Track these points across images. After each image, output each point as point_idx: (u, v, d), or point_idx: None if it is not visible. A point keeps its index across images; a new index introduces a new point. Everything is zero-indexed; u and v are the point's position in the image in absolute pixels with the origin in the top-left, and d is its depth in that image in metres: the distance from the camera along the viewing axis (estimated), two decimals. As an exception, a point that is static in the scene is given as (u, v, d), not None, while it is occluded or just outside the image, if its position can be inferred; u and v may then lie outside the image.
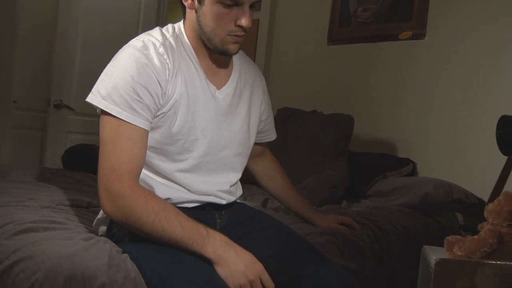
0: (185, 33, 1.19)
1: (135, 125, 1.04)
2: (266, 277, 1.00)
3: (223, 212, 1.24)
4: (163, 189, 1.14)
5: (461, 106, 2.21)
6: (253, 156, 1.40)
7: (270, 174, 1.50)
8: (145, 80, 1.06)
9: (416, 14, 2.39)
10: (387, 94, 2.50)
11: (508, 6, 2.09)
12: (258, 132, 1.38)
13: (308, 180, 2.00)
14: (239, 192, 1.33)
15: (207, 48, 1.17)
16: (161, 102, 1.10)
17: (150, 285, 0.96)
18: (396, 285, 1.63)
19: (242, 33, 1.13)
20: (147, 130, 1.08)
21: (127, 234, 1.08)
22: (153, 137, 1.12)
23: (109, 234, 1.15)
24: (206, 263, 1.00)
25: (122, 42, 1.14)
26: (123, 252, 1.04)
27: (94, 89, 1.07)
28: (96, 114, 1.08)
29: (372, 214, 1.78)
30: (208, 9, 1.10)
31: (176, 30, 1.19)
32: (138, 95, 1.04)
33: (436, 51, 2.32)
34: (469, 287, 1.01)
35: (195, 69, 1.17)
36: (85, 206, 1.46)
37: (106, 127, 1.04)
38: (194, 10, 1.14)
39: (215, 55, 1.18)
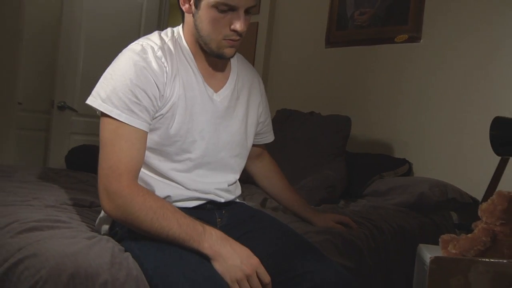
0: (184, 37, 1.19)
1: (133, 126, 1.05)
2: (262, 271, 1.01)
3: (223, 212, 1.25)
4: (163, 187, 1.15)
5: (455, 107, 2.22)
6: (251, 157, 1.40)
7: (268, 175, 1.51)
8: (143, 83, 1.06)
9: (411, 17, 2.40)
10: (383, 95, 2.51)
11: (500, 11, 2.10)
12: (256, 134, 1.39)
13: (306, 180, 2.00)
14: (238, 191, 1.33)
15: (204, 51, 1.17)
16: (159, 104, 1.10)
17: (151, 283, 0.96)
18: (393, 282, 1.63)
19: (237, 38, 1.12)
20: (145, 131, 1.08)
21: (129, 232, 1.08)
22: (152, 138, 1.12)
23: (111, 233, 1.16)
24: (205, 259, 1.00)
25: (124, 45, 1.15)
26: (125, 251, 1.04)
27: (94, 92, 1.07)
28: (98, 115, 1.08)
29: (369, 213, 1.78)
30: (204, 14, 1.10)
31: (175, 34, 1.19)
32: (137, 98, 1.05)
33: (431, 54, 2.33)
34: (463, 284, 1.02)
35: (193, 73, 1.17)
36: (88, 205, 1.47)
37: (105, 129, 1.05)
38: (191, 15, 1.14)
39: (212, 58, 1.18)
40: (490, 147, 1.53)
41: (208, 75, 1.20)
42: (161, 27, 3.46)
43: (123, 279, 0.93)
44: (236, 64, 1.30)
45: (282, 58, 3.08)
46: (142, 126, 1.07)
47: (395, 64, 2.47)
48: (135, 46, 1.11)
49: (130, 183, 1.02)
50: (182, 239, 0.99)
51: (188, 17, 1.16)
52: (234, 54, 1.18)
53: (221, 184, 1.24)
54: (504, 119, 1.55)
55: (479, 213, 1.25)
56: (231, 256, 0.99)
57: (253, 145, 1.38)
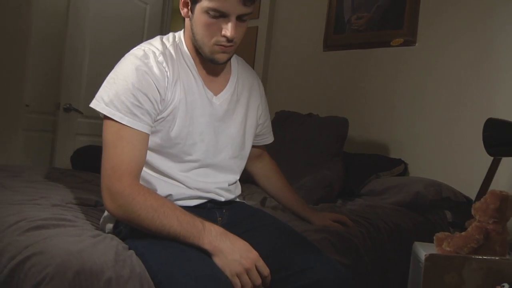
0: (184, 42, 1.19)
1: (135, 129, 1.05)
2: (261, 264, 1.01)
3: (224, 211, 1.25)
4: (164, 186, 1.15)
5: (449, 109, 2.22)
6: (251, 158, 1.40)
7: (268, 175, 1.50)
8: (145, 87, 1.07)
9: (407, 22, 2.40)
10: (379, 97, 2.51)
11: (492, 16, 2.10)
12: (256, 136, 1.39)
13: (304, 179, 2.00)
14: (238, 191, 1.33)
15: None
16: (160, 108, 1.10)
17: (155, 280, 0.96)
18: (389, 279, 1.63)
19: (228, 44, 1.10)
20: (147, 134, 1.09)
21: (133, 231, 1.08)
22: (154, 141, 1.13)
23: (115, 231, 1.16)
24: (206, 256, 1.00)
25: (127, 49, 1.15)
26: (129, 249, 1.04)
27: (97, 96, 1.08)
28: (102, 117, 1.08)
29: (366, 212, 1.78)
30: (198, 18, 1.09)
31: (176, 39, 1.19)
32: (139, 101, 1.05)
33: (425, 57, 2.33)
34: (457, 280, 1.02)
35: (193, 77, 1.17)
36: (93, 204, 1.47)
37: (108, 131, 1.06)
38: (189, 19, 1.14)
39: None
40: (483, 148, 1.53)
41: (208, 79, 1.20)
42: (163, 31, 3.46)
43: (127, 276, 0.93)
44: (237, 67, 1.30)
45: (281, 61, 3.08)
46: (144, 128, 1.07)
47: (391, 67, 2.47)
48: (137, 51, 1.11)
49: (131, 183, 1.02)
50: (182, 236, 1.00)
51: (187, 22, 1.16)
52: (227, 60, 1.16)
53: (221, 183, 1.24)
54: (496, 120, 1.55)
55: (473, 212, 1.25)
56: (231, 251, 0.99)
57: (253, 146, 1.38)
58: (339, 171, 2.10)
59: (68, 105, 2.84)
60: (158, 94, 1.09)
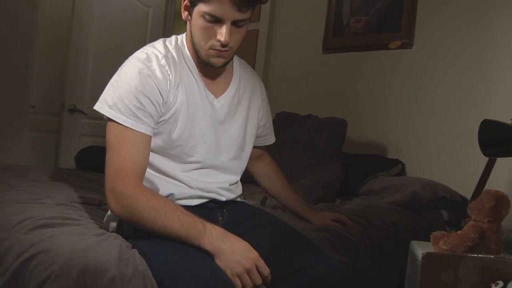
0: (186, 45, 1.19)
1: (138, 131, 1.06)
2: (261, 264, 1.01)
3: (225, 211, 1.25)
4: (166, 185, 1.15)
5: (445, 110, 2.22)
6: (252, 158, 1.40)
7: (268, 175, 1.50)
8: (148, 90, 1.07)
9: (404, 25, 2.40)
10: (377, 99, 2.51)
11: (487, 20, 2.10)
12: (258, 136, 1.39)
13: (304, 179, 2.00)
14: (239, 191, 1.33)
15: None
16: (162, 110, 1.10)
17: (158, 278, 0.96)
18: (386, 277, 1.63)
19: (223, 48, 1.09)
20: (149, 135, 1.09)
21: (136, 230, 1.08)
22: (156, 142, 1.13)
23: (119, 230, 1.16)
24: (209, 256, 1.00)
25: (130, 52, 1.15)
26: (133, 247, 1.04)
27: (101, 98, 1.08)
28: (105, 119, 1.08)
29: (364, 211, 1.78)
30: (195, 22, 1.09)
31: (178, 42, 1.19)
32: (141, 104, 1.06)
33: (422, 60, 2.33)
34: (453, 278, 1.02)
35: (194, 80, 1.17)
36: (97, 203, 1.47)
37: (112, 133, 1.06)
38: (189, 22, 1.14)
39: None
40: (479, 148, 1.53)
41: (209, 82, 1.20)
42: (166, 34, 3.46)
43: (130, 275, 0.93)
44: (239, 69, 1.30)
45: (281, 63, 3.09)
46: (146, 130, 1.07)
47: (388, 69, 2.47)
48: (140, 54, 1.11)
49: (135, 184, 1.02)
50: (184, 236, 1.00)
51: (188, 25, 1.16)
52: (224, 64, 1.15)
53: (222, 183, 1.24)
54: (492, 121, 1.55)
55: (468, 211, 1.26)
56: (231, 252, 0.99)
57: (254, 147, 1.38)
58: (338, 171, 2.11)
59: (72, 107, 2.85)
60: (161, 97, 1.09)
